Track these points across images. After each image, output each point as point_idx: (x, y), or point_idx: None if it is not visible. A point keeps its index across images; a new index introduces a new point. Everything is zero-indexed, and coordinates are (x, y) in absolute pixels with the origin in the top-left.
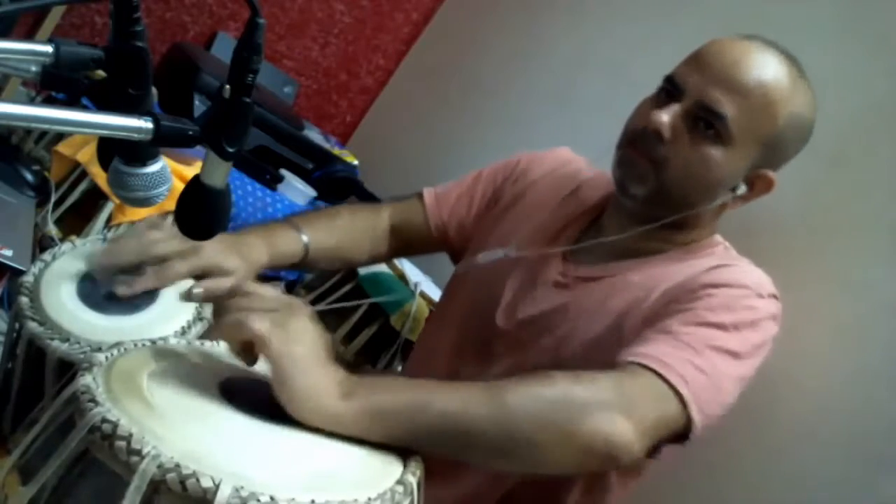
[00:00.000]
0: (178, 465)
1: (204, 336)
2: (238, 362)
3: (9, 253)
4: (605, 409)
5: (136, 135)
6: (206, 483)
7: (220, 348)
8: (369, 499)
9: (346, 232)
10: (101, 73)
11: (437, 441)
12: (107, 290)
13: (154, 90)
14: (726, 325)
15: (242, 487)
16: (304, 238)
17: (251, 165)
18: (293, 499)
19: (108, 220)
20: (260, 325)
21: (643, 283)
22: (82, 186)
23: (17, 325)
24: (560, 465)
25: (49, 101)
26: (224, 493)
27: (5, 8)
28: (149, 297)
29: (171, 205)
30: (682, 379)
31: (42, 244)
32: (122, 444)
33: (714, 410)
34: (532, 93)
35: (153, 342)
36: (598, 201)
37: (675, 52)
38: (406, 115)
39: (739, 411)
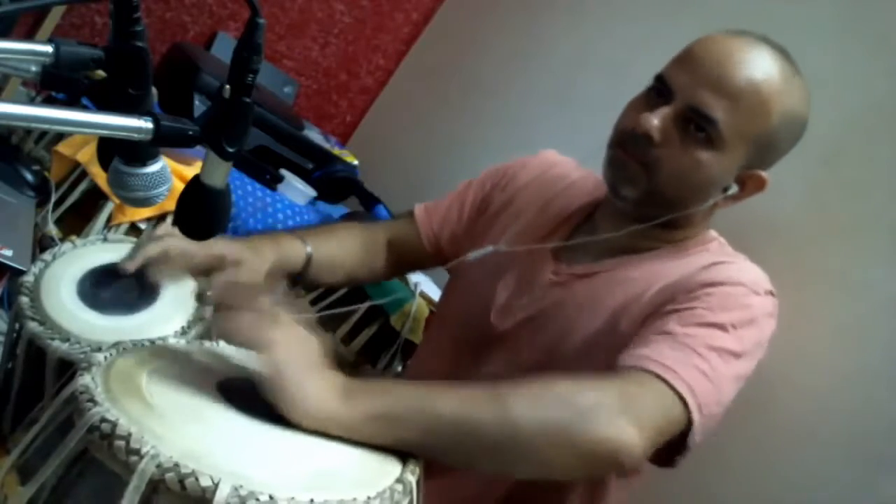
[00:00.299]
0: (176, 465)
1: (203, 336)
2: (237, 362)
3: (9, 253)
4: (609, 414)
5: (136, 135)
6: (205, 482)
7: (220, 348)
8: (368, 498)
9: (344, 246)
10: (101, 73)
11: (437, 445)
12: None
13: (154, 90)
14: (725, 325)
15: (241, 486)
16: (308, 248)
17: (251, 165)
18: (292, 498)
19: (108, 220)
20: (256, 332)
21: (639, 280)
22: (82, 186)
23: (17, 325)
24: (563, 471)
25: (49, 101)
26: (223, 492)
27: (5, 8)
28: (149, 297)
29: (171, 205)
30: (685, 383)
31: (42, 244)
32: (121, 443)
33: (713, 410)
34: (532, 93)
35: (152, 342)
36: (587, 201)
37: (675, 52)
38: (406, 115)
39: (739, 411)
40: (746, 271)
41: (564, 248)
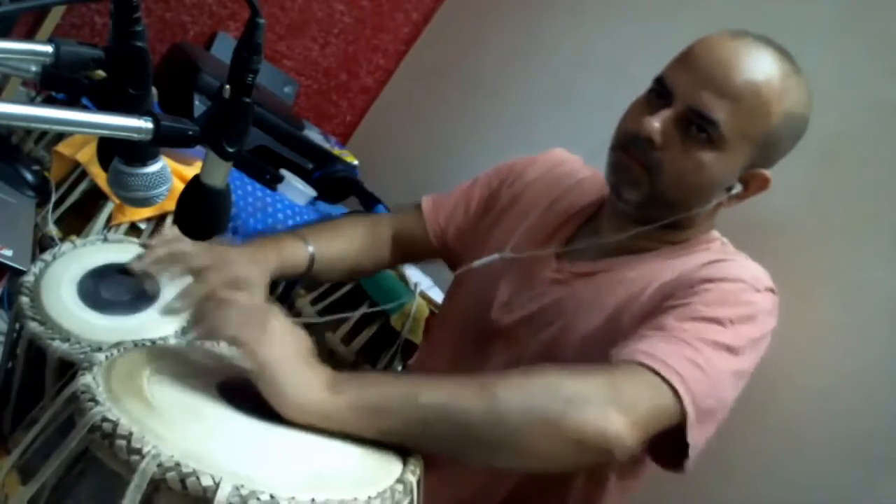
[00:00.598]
0: (178, 464)
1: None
2: (238, 362)
3: (9, 253)
4: (595, 402)
5: (136, 135)
6: (207, 482)
7: (220, 348)
8: (369, 497)
9: (349, 242)
10: (101, 73)
11: (424, 434)
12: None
13: (154, 90)
14: (721, 320)
15: (242, 486)
16: (310, 248)
17: (251, 165)
18: (293, 497)
19: (108, 220)
20: (237, 331)
21: (639, 278)
22: (82, 186)
23: (17, 325)
24: (551, 459)
25: (49, 101)
26: (224, 491)
27: (5, 8)
28: (149, 297)
29: (171, 205)
30: (675, 372)
31: (42, 244)
32: (123, 443)
33: (710, 403)
34: (532, 93)
35: (153, 342)
36: (591, 201)
37: (675, 52)
38: (406, 115)
39: (739, 411)
40: (747, 268)
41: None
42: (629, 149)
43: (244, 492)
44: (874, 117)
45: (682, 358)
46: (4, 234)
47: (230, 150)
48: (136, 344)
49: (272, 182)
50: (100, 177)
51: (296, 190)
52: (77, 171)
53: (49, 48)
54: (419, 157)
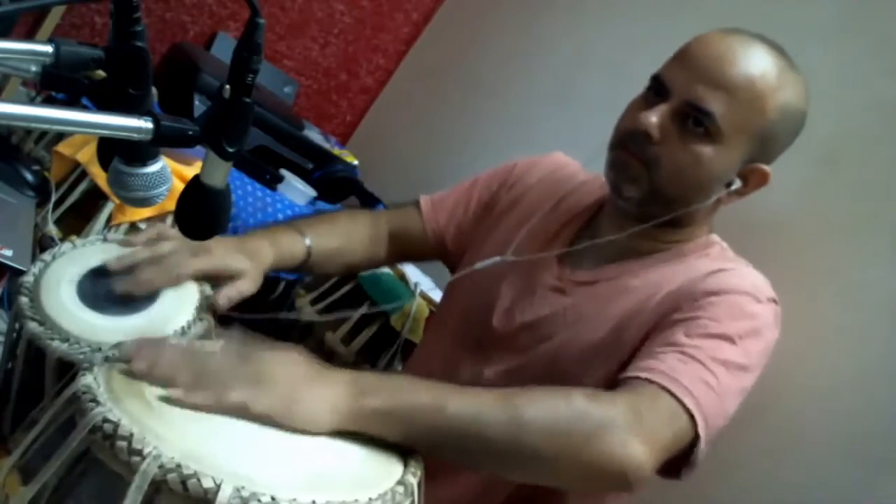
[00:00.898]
0: (179, 466)
1: (204, 336)
2: None
3: (9, 253)
4: (620, 431)
5: (136, 135)
6: (208, 483)
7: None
8: (370, 499)
9: (346, 236)
10: (101, 73)
11: (447, 444)
12: (117, 289)
13: (154, 90)
14: (732, 337)
15: (243, 487)
16: (307, 241)
17: (251, 165)
18: (294, 499)
19: (108, 220)
20: (232, 398)
21: (642, 288)
22: (82, 186)
23: (17, 325)
24: (568, 481)
25: (49, 101)
26: (225, 493)
27: (5, 8)
28: (149, 297)
29: (171, 205)
30: (694, 399)
31: (42, 244)
32: (124, 444)
33: (718, 422)
34: (532, 93)
35: None
36: (591, 203)
37: (675, 51)
38: (406, 115)
39: (740, 411)
40: (748, 278)
41: (568, 252)
42: (627, 145)
43: (245, 493)
44: (874, 117)
45: (699, 380)
46: (4, 234)
47: (230, 150)
48: None
49: (272, 182)
50: (100, 177)
51: (296, 190)
52: (77, 171)
53: (49, 48)
54: (419, 157)
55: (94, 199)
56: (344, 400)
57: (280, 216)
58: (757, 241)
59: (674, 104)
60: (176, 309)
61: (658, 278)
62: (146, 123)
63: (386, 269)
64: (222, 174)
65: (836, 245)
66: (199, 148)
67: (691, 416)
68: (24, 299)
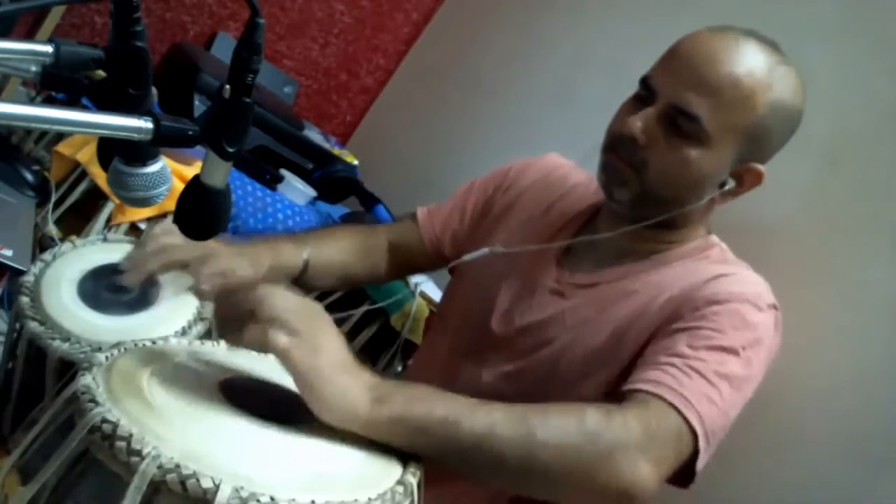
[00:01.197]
0: (178, 466)
1: (204, 336)
2: (238, 363)
3: (9, 253)
4: (630, 452)
5: (136, 135)
6: (207, 483)
7: (221, 348)
8: (369, 499)
9: (344, 250)
10: (101, 73)
11: (459, 458)
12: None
13: (154, 90)
14: (735, 349)
15: (242, 488)
16: (305, 254)
17: (251, 165)
18: (293, 499)
19: (108, 220)
20: (281, 340)
21: (642, 292)
22: (82, 186)
23: (17, 325)
24: (574, 498)
25: (49, 101)
26: (224, 493)
27: (5, 8)
28: (149, 297)
29: (171, 205)
30: (699, 417)
31: (42, 244)
32: (123, 444)
33: (718, 437)
34: (532, 93)
35: (153, 342)
36: (588, 204)
37: None
38: (406, 115)
39: (740, 411)
40: (749, 284)
41: (567, 255)
42: (616, 149)
43: (244, 493)
44: (874, 117)
45: (704, 397)
46: (4, 234)
47: (230, 150)
48: (136, 344)
49: (272, 182)
50: (100, 177)
51: (296, 190)
52: (77, 171)
53: (49, 48)
54: (419, 157)
55: (94, 199)
56: (362, 406)
57: (280, 216)
58: (757, 242)
59: (659, 107)
60: (177, 309)
61: (658, 281)
62: (146, 123)
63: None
64: (222, 174)
65: (836, 245)
66: (199, 148)
67: (694, 433)
68: (24, 299)
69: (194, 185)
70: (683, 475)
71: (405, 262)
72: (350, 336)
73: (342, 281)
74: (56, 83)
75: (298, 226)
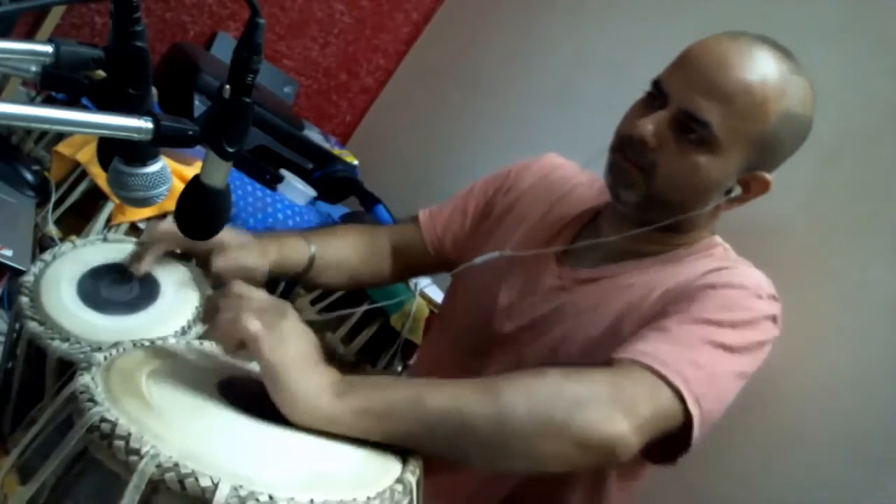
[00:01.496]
0: (176, 465)
1: (203, 336)
2: (237, 362)
3: (9, 253)
4: (598, 404)
5: (136, 135)
6: (205, 482)
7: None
8: (368, 498)
9: (350, 249)
10: (101, 73)
11: (432, 438)
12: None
13: (154, 90)
14: (723, 323)
15: (241, 487)
16: (312, 248)
17: (251, 165)
18: (292, 498)
19: (108, 220)
20: (252, 326)
21: (641, 285)
22: (82, 186)
23: (17, 325)
24: (555, 462)
25: (49, 101)
26: (223, 492)
27: (5, 8)
28: (149, 297)
29: (171, 205)
30: (677, 374)
31: (42, 244)
32: (121, 443)
33: (712, 405)
34: (532, 93)
35: (153, 342)
36: (591, 205)
37: (675, 52)
38: (406, 115)
39: (740, 411)
40: (749, 275)
41: (568, 252)
42: (625, 151)
43: (243, 492)
44: (874, 117)
45: (684, 359)
46: (4, 234)
47: (230, 150)
48: (135, 344)
49: (272, 182)
50: (100, 177)
51: (296, 190)
52: (77, 171)
53: (49, 48)
54: (419, 157)
55: (94, 199)
56: (324, 402)
57: (280, 216)
58: (757, 241)
59: (671, 112)
60: (176, 309)
61: (658, 276)
62: (146, 123)
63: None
64: (222, 174)
65: (836, 245)
66: (199, 148)
67: (679, 395)
68: (24, 299)
69: (194, 185)
70: (669, 448)
71: (408, 264)
72: (350, 336)
73: (347, 279)
74: (56, 83)
75: (298, 226)
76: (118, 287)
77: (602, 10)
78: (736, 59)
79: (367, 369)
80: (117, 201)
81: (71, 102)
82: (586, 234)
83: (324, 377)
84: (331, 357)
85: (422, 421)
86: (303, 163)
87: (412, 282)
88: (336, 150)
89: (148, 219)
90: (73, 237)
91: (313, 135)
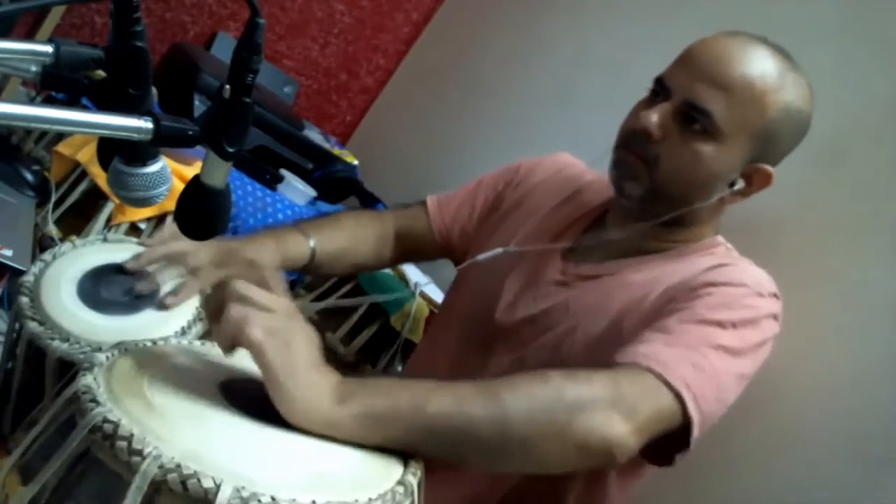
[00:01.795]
0: (179, 466)
1: (204, 336)
2: (238, 363)
3: (9, 253)
4: (599, 407)
5: (136, 135)
6: (208, 483)
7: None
8: (370, 499)
9: (351, 237)
10: (101, 73)
11: (433, 442)
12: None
13: (154, 90)
14: (724, 323)
15: (243, 488)
16: (312, 242)
17: (251, 165)
18: (294, 499)
19: (108, 220)
20: (255, 332)
21: (643, 282)
22: (82, 186)
23: (17, 325)
24: (556, 464)
25: (49, 101)
26: (225, 493)
27: (5, 8)
28: (149, 297)
29: (171, 205)
30: (677, 376)
31: (42, 244)
32: (124, 444)
33: (712, 407)
34: (532, 93)
35: (154, 342)
36: (599, 203)
37: (675, 52)
38: (406, 115)
39: (740, 411)
40: (750, 273)
41: (574, 249)
42: (629, 144)
43: (245, 493)
44: (874, 117)
45: (685, 361)
46: (4, 234)
47: (230, 150)
48: (136, 344)
49: (272, 182)
50: (100, 177)
51: (296, 190)
52: (77, 171)
53: (49, 48)
54: (419, 157)
55: (94, 199)
56: (325, 407)
57: (280, 216)
58: (757, 241)
59: (675, 103)
60: (176, 309)
61: (659, 274)
62: (146, 123)
63: (386, 269)
64: (222, 174)
65: (836, 245)
66: (199, 148)
67: (679, 397)
68: (24, 299)
69: (194, 185)
70: (668, 448)
71: (412, 248)
72: (350, 336)
73: (349, 268)
74: (56, 83)
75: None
76: (118, 287)
77: (602, 10)
78: (736, 55)
79: (367, 369)
80: (117, 201)
81: (71, 102)
82: (593, 231)
83: (325, 381)
84: (331, 357)
85: (423, 426)
86: (303, 163)
87: (412, 282)
88: (336, 150)
89: (148, 219)
90: (73, 237)
91: (313, 135)
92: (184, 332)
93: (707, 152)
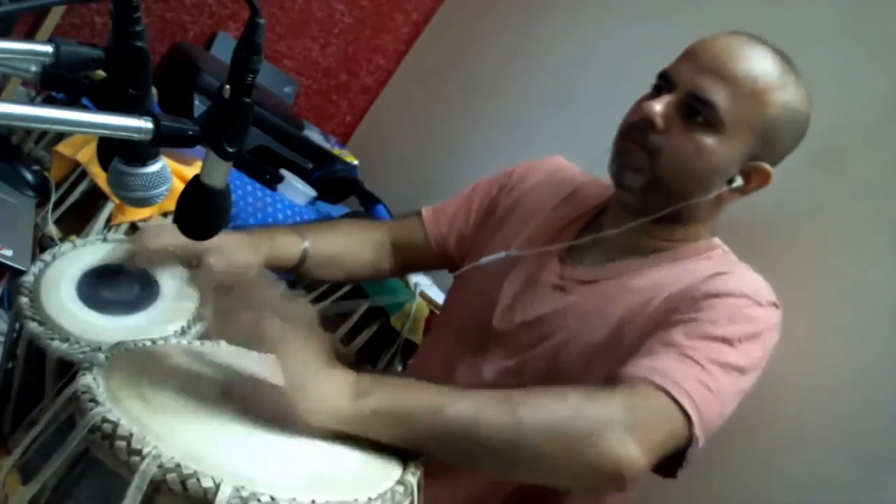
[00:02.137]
0: (178, 465)
1: (204, 336)
2: (238, 363)
3: (9, 253)
4: (616, 430)
5: (136, 135)
6: (207, 483)
7: (220, 348)
8: (369, 499)
9: (345, 243)
10: (101, 73)
11: (447, 445)
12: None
13: (154, 90)
14: (730, 339)
15: (243, 487)
16: (305, 243)
17: (251, 165)
18: (294, 499)
19: (108, 220)
20: (272, 330)
21: (643, 289)
22: (82, 186)
23: (17, 325)
24: (563, 479)
25: (49, 101)
26: (225, 492)
27: (5, 8)
28: (149, 297)
29: (171, 205)
30: (690, 399)
31: (42, 244)
32: (123, 443)
33: (715, 423)
34: (532, 93)
35: (153, 342)
36: (594, 204)
37: (675, 52)
38: (406, 115)
39: (740, 411)
40: (749, 282)
41: (570, 251)
42: (632, 135)
43: (245, 493)
44: (874, 117)
45: (695, 381)
46: (4, 234)
47: (230, 150)
48: (136, 344)
49: (272, 182)
50: (100, 177)
51: (296, 190)
52: (77, 171)
53: (49, 48)
54: (419, 157)
55: (94, 199)
56: (344, 402)
57: (280, 216)
58: (757, 241)
59: (679, 95)
60: (176, 309)
61: (659, 279)
62: (146, 123)
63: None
64: (222, 174)
65: (836, 245)
66: (199, 148)
67: (687, 416)
68: (24, 299)
69: (194, 185)
70: (676, 462)
71: (409, 260)
72: (350, 336)
73: (342, 275)
74: (56, 83)
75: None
76: (118, 287)
77: (602, 10)
78: (741, 51)
79: (367, 369)
80: (117, 201)
81: (71, 102)
82: (589, 231)
83: (342, 379)
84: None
85: (439, 429)
86: (303, 163)
87: (412, 282)
88: (336, 150)
89: (148, 219)
90: (73, 237)
91: (313, 135)
92: (183, 332)
93: (709, 144)
